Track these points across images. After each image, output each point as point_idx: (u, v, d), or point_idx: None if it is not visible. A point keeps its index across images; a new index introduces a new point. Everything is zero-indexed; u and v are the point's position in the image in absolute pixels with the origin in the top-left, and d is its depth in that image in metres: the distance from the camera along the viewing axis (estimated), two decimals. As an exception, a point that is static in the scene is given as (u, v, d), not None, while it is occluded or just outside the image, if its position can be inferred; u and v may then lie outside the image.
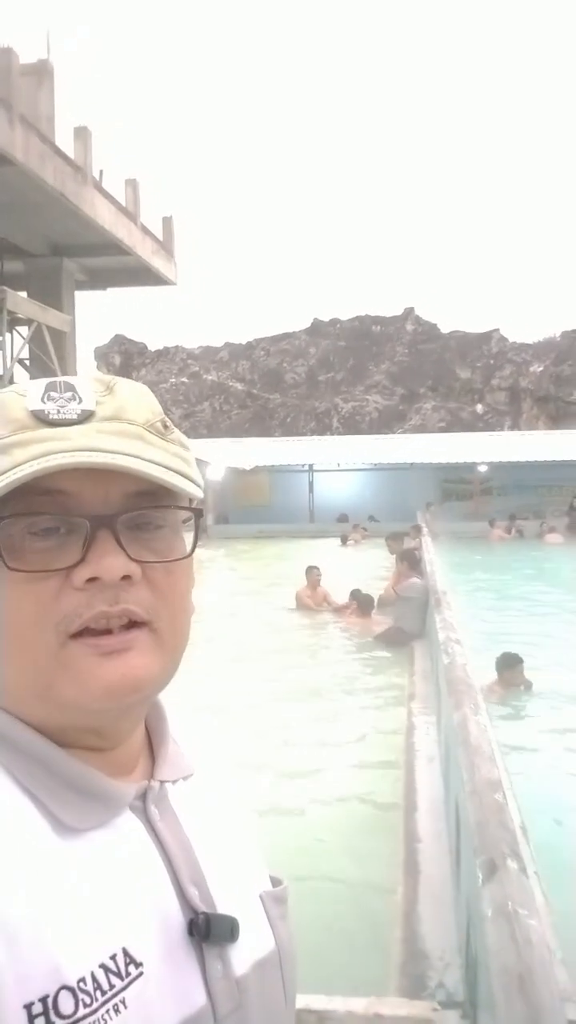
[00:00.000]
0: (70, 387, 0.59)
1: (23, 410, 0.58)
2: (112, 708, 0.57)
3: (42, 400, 0.58)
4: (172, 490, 0.59)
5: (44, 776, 0.57)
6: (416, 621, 7.17)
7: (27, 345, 12.52)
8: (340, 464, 23.57)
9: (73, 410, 0.58)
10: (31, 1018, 0.48)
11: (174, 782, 0.65)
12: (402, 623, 7.36)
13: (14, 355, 12.03)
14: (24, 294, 13.50)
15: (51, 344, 12.95)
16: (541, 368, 34.38)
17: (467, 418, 33.73)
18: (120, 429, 0.58)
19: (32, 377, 13.29)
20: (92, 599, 0.55)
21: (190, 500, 0.61)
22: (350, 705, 5.76)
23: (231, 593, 12.19)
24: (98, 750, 0.60)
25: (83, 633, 0.55)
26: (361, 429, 33.26)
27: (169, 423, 0.62)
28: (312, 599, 9.64)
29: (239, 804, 0.75)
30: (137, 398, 0.62)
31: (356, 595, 8.89)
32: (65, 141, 13.87)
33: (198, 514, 0.63)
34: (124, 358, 41.91)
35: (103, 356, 41.07)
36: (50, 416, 0.57)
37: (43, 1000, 0.49)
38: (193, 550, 0.63)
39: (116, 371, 41.57)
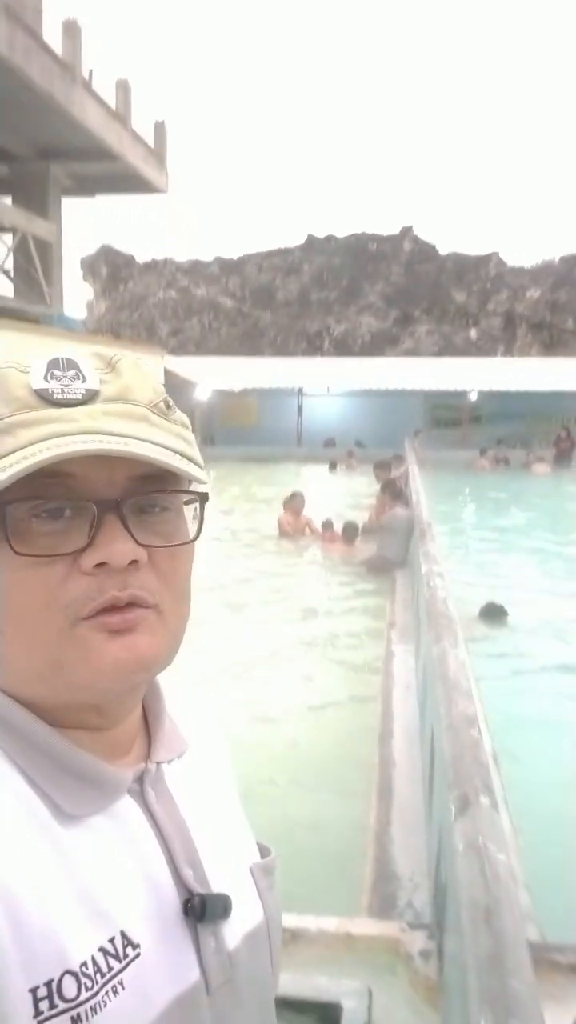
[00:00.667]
0: (73, 365, 0.58)
1: (25, 388, 0.57)
2: (119, 686, 0.58)
3: (45, 379, 0.57)
4: (177, 474, 0.59)
5: (46, 764, 0.58)
6: (399, 550, 7.23)
7: (11, 255, 12.07)
8: (330, 389, 23.31)
9: (77, 390, 0.57)
10: (36, 1001, 0.50)
11: (170, 762, 0.66)
12: (385, 552, 7.43)
13: (-2, 265, 11.63)
14: (8, 201, 12.95)
15: (36, 255, 12.51)
16: (538, 294, 33.76)
17: (460, 343, 33.26)
18: (126, 411, 0.58)
19: (16, 289, 12.89)
20: (101, 584, 0.55)
21: (189, 482, 0.62)
22: (330, 632, 5.86)
23: (214, 517, 12.23)
24: (97, 730, 0.61)
25: (92, 615, 0.56)
26: (352, 352, 32.75)
27: (171, 402, 0.62)
28: (294, 526, 9.67)
29: (229, 775, 0.76)
30: (141, 377, 0.61)
31: (327, 524, 8.95)
32: (53, 38, 13.06)
33: (203, 499, 0.63)
34: (111, 270, 40.71)
35: (89, 267, 39.86)
36: (54, 396, 0.56)
37: (48, 984, 0.50)
38: (198, 535, 0.63)
39: (103, 283, 40.47)
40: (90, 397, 0.57)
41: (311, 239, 38.47)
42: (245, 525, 10.77)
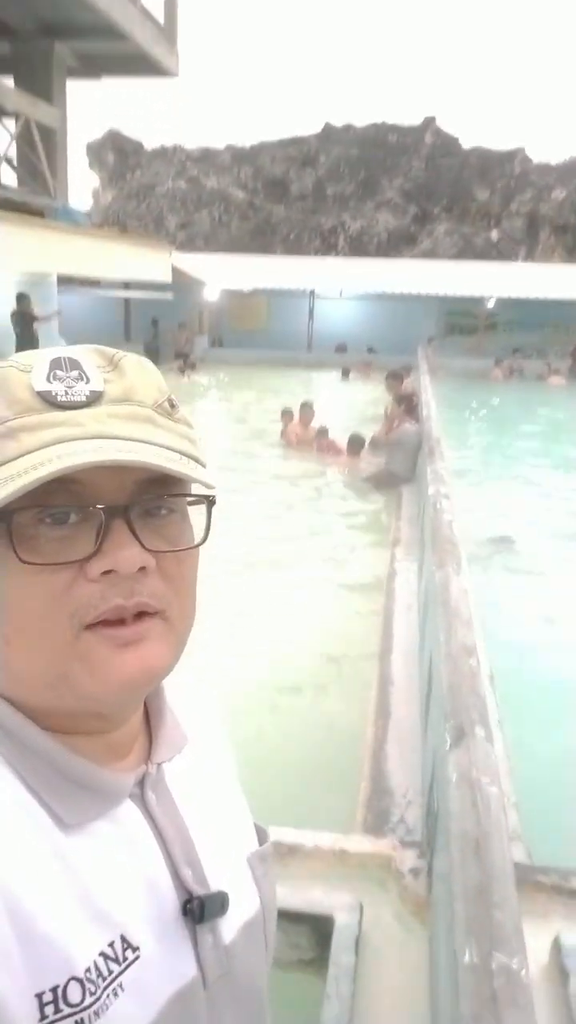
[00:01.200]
0: (76, 364, 0.57)
1: (27, 389, 0.55)
2: (127, 698, 0.58)
3: (48, 379, 0.56)
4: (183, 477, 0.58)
5: (46, 772, 0.58)
6: (407, 465, 7.19)
7: (13, 143, 11.51)
8: (343, 292, 22.64)
9: (81, 391, 0.56)
10: (42, 1006, 0.51)
11: (170, 759, 0.67)
12: (392, 467, 7.39)
13: (0, 154, 11.09)
14: (10, 83, 12.25)
15: (40, 142, 11.92)
16: (563, 195, 32.28)
17: (481, 245, 32.07)
18: (131, 412, 0.57)
19: (20, 179, 12.36)
20: (107, 591, 0.55)
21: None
22: (334, 545, 5.90)
23: (222, 423, 12.16)
24: (98, 733, 0.61)
25: (97, 623, 0.55)
26: (368, 251, 31.64)
27: (175, 401, 0.61)
28: (301, 437, 9.56)
29: (229, 761, 0.77)
30: (144, 376, 0.60)
31: (322, 432, 8.86)
32: None
33: (210, 503, 0.62)
34: (118, 156, 38.97)
35: (96, 153, 38.13)
36: (58, 398, 0.55)
37: (54, 990, 0.52)
38: (205, 539, 0.62)
39: (110, 171, 38.81)
40: (94, 399, 0.56)
41: (328, 128, 36.54)
42: (249, 433, 10.68)
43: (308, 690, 3.71)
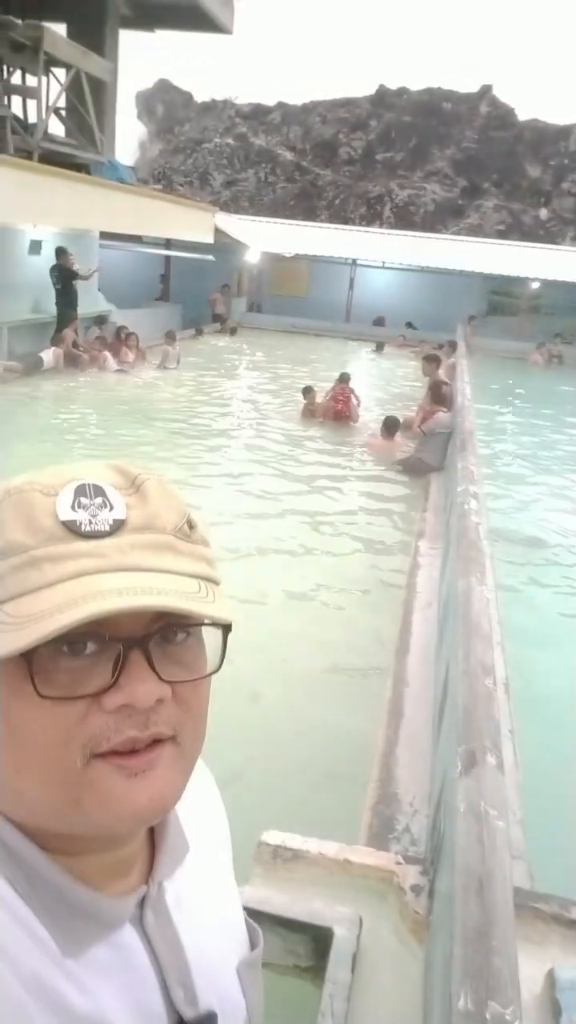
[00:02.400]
0: (100, 491, 0.58)
1: (52, 517, 0.56)
2: (138, 828, 0.59)
3: (73, 508, 0.56)
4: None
5: (50, 899, 0.59)
6: (438, 454, 7.13)
7: (63, 94, 11.34)
8: (385, 262, 22.26)
9: (105, 520, 0.57)
10: None
11: (172, 875, 0.67)
12: (423, 454, 7.32)
13: (49, 104, 10.93)
14: (63, 31, 12.05)
15: (90, 95, 11.74)
16: (619, 174, 31.37)
17: (529, 223, 31.36)
18: (152, 541, 0.58)
19: (67, 130, 12.22)
20: (121, 724, 0.55)
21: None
22: (358, 533, 5.87)
23: (257, 391, 12.09)
24: (102, 852, 0.62)
25: (108, 752, 0.55)
26: (414, 222, 31.08)
27: (193, 520, 0.62)
28: (333, 411, 9.49)
29: (226, 852, 0.78)
30: (165, 500, 0.61)
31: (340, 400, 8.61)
32: None
33: (226, 630, 0.61)
34: (167, 108, 38.44)
35: (145, 103, 37.66)
36: (82, 528, 0.56)
37: None
38: (219, 667, 0.62)
39: (158, 123, 38.29)
40: (117, 527, 0.56)
41: (382, 90, 35.70)
42: (277, 407, 10.61)
43: (320, 683, 3.72)
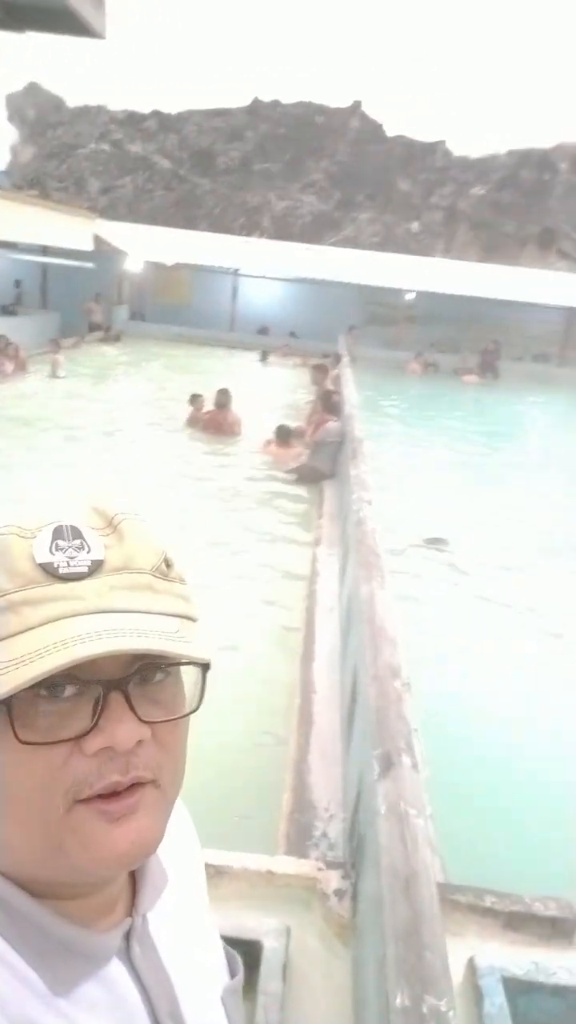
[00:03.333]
0: (77, 533, 0.58)
1: (29, 560, 0.56)
2: (121, 872, 0.60)
3: (50, 550, 0.56)
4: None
5: (36, 939, 0.59)
6: (330, 461, 7.27)
7: None
8: (267, 273, 22.51)
9: (83, 562, 0.57)
10: None
11: (154, 906, 0.68)
12: (315, 462, 7.44)
13: None
14: None
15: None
16: (482, 192, 32.99)
17: (401, 235, 32.48)
18: (130, 582, 0.58)
19: None
20: (103, 767, 0.55)
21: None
22: (255, 541, 5.91)
23: (144, 401, 11.94)
24: (88, 896, 0.62)
25: (90, 797, 0.55)
26: (292, 232, 31.55)
27: (170, 559, 0.63)
28: (217, 423, 9.47)
29: (201, 879, 0.79)
30: (144, 539, 0.61)
31: (221, 411, 8.62)
32: None
33: (205, 668, 0.61)
34: (39, 112, 37.38)
35: (16, 108, 36.48)
36: (60, 570, 0.56)
37: None
38: (198, 706, 0.62)
39: (30, 127, 37.18)
40: (95, 568, 0.57)
41: (256, 102, 36.09)
42: (168, 415, 10.51)
43: (230, 694, 3.72)
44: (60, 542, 0.57)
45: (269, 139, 34.80)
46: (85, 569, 0.56)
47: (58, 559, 0.56)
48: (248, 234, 30.37)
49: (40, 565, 0.55)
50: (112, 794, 0.55)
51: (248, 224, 32.96)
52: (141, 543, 0.60)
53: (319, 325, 20.98)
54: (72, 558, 0.56)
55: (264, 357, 18.36)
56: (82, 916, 0.61)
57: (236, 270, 22.46)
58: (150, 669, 0.57)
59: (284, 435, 8.48)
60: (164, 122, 36.52)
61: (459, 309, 22.14)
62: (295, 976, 1.93)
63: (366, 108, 35.26)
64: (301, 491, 7.26)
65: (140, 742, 0.56)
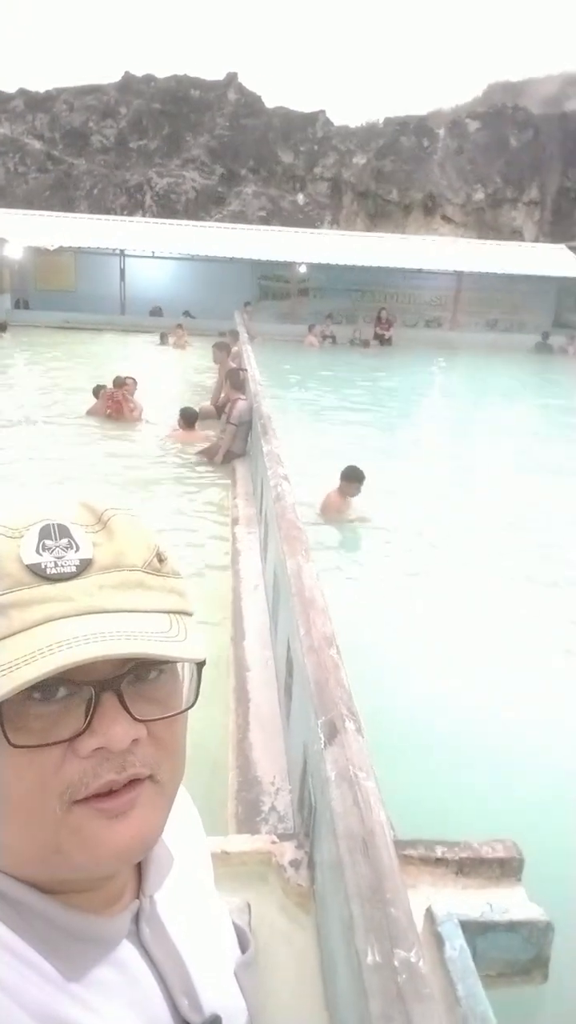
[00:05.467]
0: (65, 532, 0.57)
1: (16, 562, 0.55)
2: (120, 868, 0.61)
3: (37, 551, 0.55)
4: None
5: (46, 930, 0.59)
6: (240, 441, 7.24)
7: None
8: (155, 252, 22.08)
9: (71, 561, 0.56)
10: None
11: (161, 887, 0.68)
12: (226, 442, 7.39)
13: None
14: None
15: None
16: (363, 160, 33.24)
17: (288, 208, 32.39)
18: (121, 580, 0.57)
19: None
20: (98, 768, 0.55)
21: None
22: (171, 527, 5.84)
23: (38, 394, 11.55)
24: (92, 890, 0.63)
25: (87, 796, 0.55)
26: (177, 210, 30.97)
27: (164, 552, 0.62)
28: (119, 410, 9.27)
29: (206, 859, 0.81)
30: (135, 535, 0.60)
31: (121, 398, 8.54)
32: None
33: (199, 665, 0.61)
34: None
35: None
36: (47, 571, 0.55)
37: None
38: (194, 703, 0.62)
39: None
40: (84, 567, 0.56)
41: (128, 77, 35.06)
42: (65, 406, 10.22)
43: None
44: (47, 542, 0.56)
45: (144, 115, 33.96)
46: (73, 569, 0.55)
47: (45, 559, 0.55)
48: (131, 214, 29.62)
49: (27, 566, 0.54)
50: (109, 792, 0.55)
51: (130, 203, 32.15)
52: (132, 539, 0.59)
53: (214, 303, 20.80)
54: (60, 558, 0.55)
55: (164, 339, 18.05)
56: (90, 905, 0.62)
57: (122, 251, 21.93)
58: (144, 667, 0.57)
59: (190, 418, 8.38)
60: (31, 101, 35.08)
61: (351, 279, 22.38)
62: (259, 951, 1.94)
63: (242, 80, 34.82)
64: (213, 472, 7.22)
65: (136, 741, 0.56)
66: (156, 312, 21.72)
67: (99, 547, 0.57)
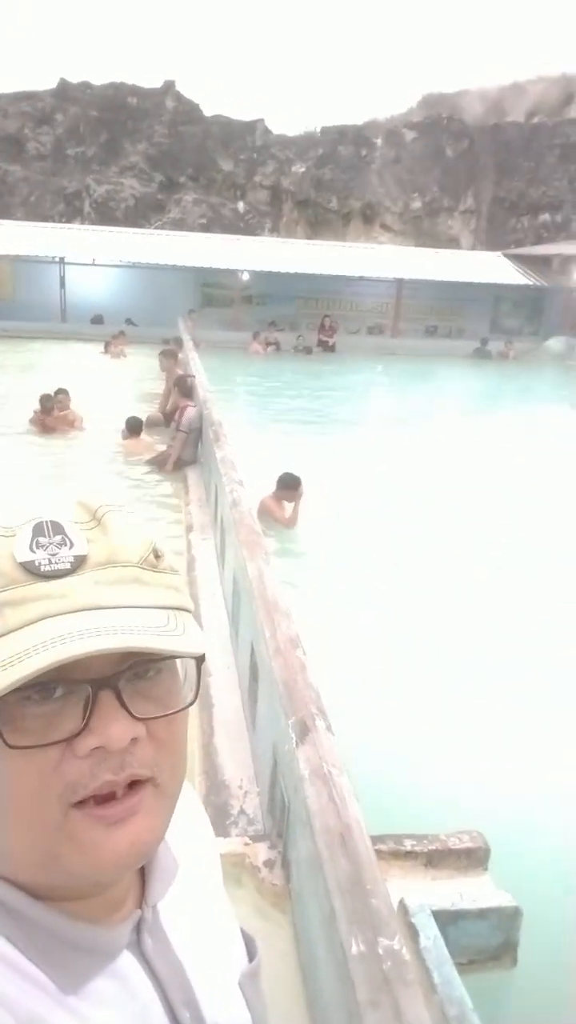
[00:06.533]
0: (59, 528, 0.56)
1: (9, 559, 0.54)
2: (120, 876, 0.59)
3: (31, 548, 0.55)
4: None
5: (45, 940, 0.58)
6: (191, 448, 7.22)
7: None
8: (96, 259, 21.84)
9: (65, 558, 0.55)
10: None
11: (164, 895, 0.66)
12: (177, 450, 7.36)
13: None
14: None
15: None
16: (303, 169, 33.51)
17: (229, 216, 32.40)
18: (116, 576, 0.56)
19: None
20: (96, 768, 0.54)
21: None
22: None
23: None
24: (92, 896, 0.61)
25: (86, 800, 0.54)
26: (116, 217, 30.68)
27: (158, 549, 0.61)
28: (57, 423, 9.11)
29: (215, 862, 0.78)
30: (130, 531, 0.59)
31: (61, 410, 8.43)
32: None
33: (199, 661, 0.59)
34: None
35: None
36: (41, 568, 0.54)
37: None
38: (195, 699, 0.60)
39: None
40: (79, 564, 0.55)
41: (64, 83, 34.63)
42: (4, 418, 10.01)
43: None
44: (41, 539, 0.55)
45: (81, 122, 33.55)
46: (68, 566, 0.55)
47: (39, 557, 0.54)
48: (69, 221, 29.26)
49: (21, 564, 0.54)
50: (110, 797, 0.54)
51: (68, 210, 31.71)
52: (127, 535, 0.59)
53: (156, 310, 20.69)
54: (54, 555, 0.55)
55: (107, 347, 17.86)
56: (89, 914, 0.60)
57: (62, 258, 21.65)
58: (142, 665, 0.56)
59: (135, 426, 8.33)
60: (-37, 106, 34.33)
61: (293, 287, 22.54)
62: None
63: (180, 87, 34.75)
64: (164, 480, 7.18)
65: (135, 740, 0.55)
66: (97, 320, 21.48)
67: (94, 543, 0.57)
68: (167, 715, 0.57)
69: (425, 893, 2.16)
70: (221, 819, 2.63)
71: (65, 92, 34.59)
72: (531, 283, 23.58)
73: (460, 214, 33.58)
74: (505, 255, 25.72)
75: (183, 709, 0.59)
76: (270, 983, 1.92)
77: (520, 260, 24.90)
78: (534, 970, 2.17)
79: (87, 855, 0.54)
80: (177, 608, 0.58)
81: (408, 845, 2.34)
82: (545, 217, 32.66)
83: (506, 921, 2.15)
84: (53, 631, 0.51)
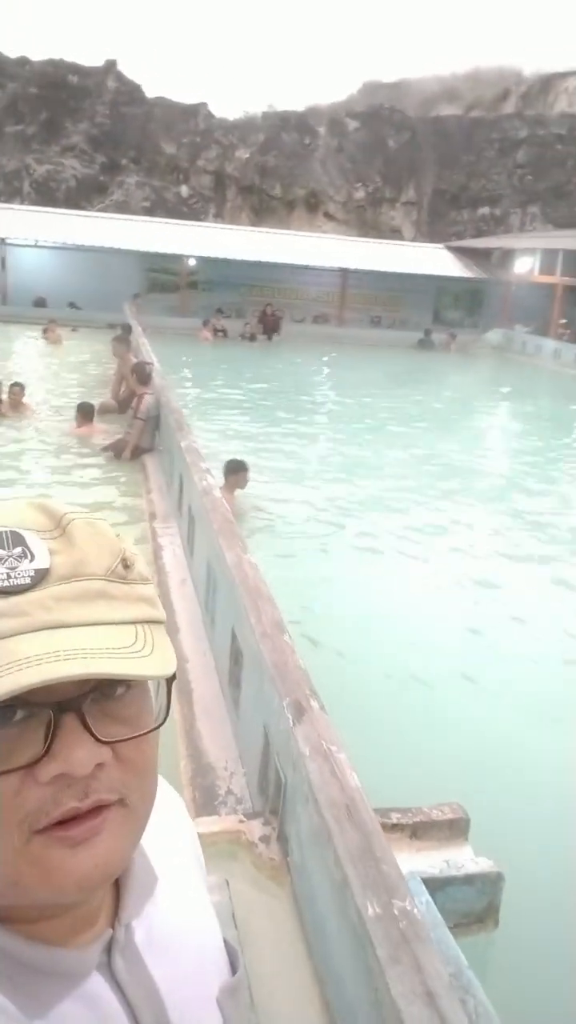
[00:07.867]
0: (19, 540, 0.53)
1: None
2: (85, 897, 0.57)
3: None
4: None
5: (6, 966, 0.56)
6: (148, 435, 7.19)
7: None
8: (38, 241, 21.34)
9: (25, 572, 0.52)
10: None
11: (140, 913, 0.64)
12: (137, 440, 7.31)
13: None
14: None
15: None
16: (247, 155, 33.32)
17: (172, 200, 32.04)
18: (81, 590, 0.53)
19: None
20: (59, 794, 0.51)
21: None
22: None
23: None
24: (60, 916, 0.59)
25: (48, 826, 0.52)
26: (57, 198, 30.00)
27: (130, 558, 0.57)
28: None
29: (197, 861, 0.76)
30: (97, 540, 0.56)
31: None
32: None
33: (169, 680, 0.56)
34: None
35: None
36: (0, 584, 0.51)
37: None
38: (164, 720, 0.58)
39: None
40: (40, 579, 0.52)
41: (1, 58, 33.61)
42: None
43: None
44: (0, 551, 0.52)
45: (20, 99, 32.62)
46: (28, 580, 0.51)
47: None
48: (8, 200, 28.49)
49: None
50: (72, 818, 0.52)
51: (7, 190, 30.86)
52: (93, 545, 0.55)
53: (101, 294, 20.35)
54: (13, 568, 0.51)
55: (45, 333, 17.47)
56: (56, 935, 0.58)
57: (3, 239, 21.10)
58: (109, 684, 0.53)
59: (88, 412, 8.24)
60: None
61: (239, 274, 22.43)
62: (241, 924, 2.04)
63: (122, 67, 34.09)
64: (121, 468, 7.14)
65: (100, 765, 0.52)
66: (40, 303, 21.00)
67: (57, 555, 0.53)
68: (136, 737, 0.54)
69: (414, 862, 2.28)
70: (209, 800, 2.70)
71: (3, 68, 33.58)
72: (472, 276, 24.01)
73: (402, 205, 33.90)
74: (447, 247, 26.10)
75: (153, 730, 0.56)
76: (275, 952, 2.01)
77: (461, 253, 25.32)
78: (514, 930, 2.31)
79: (49, 878, 0.52)
80: (147, 621, 0.55)
81: (394, 818, 2.45)
82: (484, 210, 33.26)
83: (490, 886, 2.28)
84: (11, 654, 0.48)
